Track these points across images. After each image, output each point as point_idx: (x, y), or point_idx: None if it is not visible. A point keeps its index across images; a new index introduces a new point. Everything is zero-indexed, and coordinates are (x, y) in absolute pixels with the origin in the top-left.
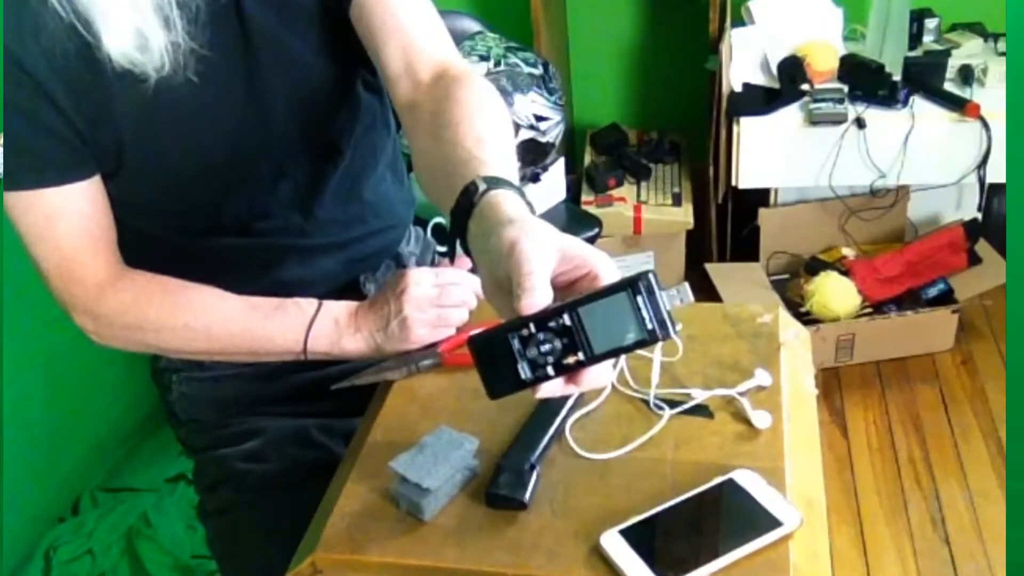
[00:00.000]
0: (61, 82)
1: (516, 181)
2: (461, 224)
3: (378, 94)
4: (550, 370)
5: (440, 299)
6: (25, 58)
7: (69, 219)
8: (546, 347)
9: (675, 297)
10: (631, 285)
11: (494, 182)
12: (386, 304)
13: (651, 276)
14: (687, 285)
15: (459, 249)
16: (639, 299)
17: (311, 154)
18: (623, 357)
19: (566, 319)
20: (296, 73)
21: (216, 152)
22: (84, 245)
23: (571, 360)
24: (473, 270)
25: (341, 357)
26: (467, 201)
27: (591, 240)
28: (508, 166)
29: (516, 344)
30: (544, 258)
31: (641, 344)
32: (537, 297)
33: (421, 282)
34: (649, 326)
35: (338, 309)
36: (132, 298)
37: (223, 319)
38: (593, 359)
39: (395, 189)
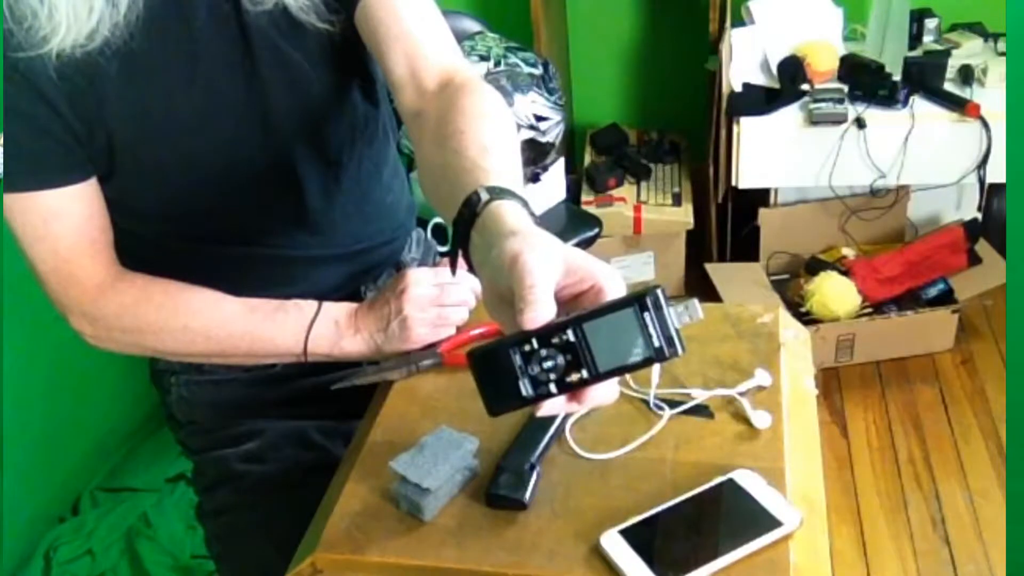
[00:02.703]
0: (56, 84)
1: (521, 190)
2: (463, 234)
3: (375, 104)
4: (553, 387)
5: (440, 298)
6: (20, 59)
7: (67, 221)
8: (549, 363)
9: (683, 314)
10: (638, 301)
11: (497, 192)
12: (386, 304)
13: (659, 292)
14: (696, 301)
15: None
16: (646, 315)
17: (315, 166)
18: None
19: (570, 335)
20: (295, 81)
21: (212, 158)
22: (82, 247)
23: (575, 377)
24: (471, 270)
25: (341, 358)
26: (469, 211)
27: (591, 240)
28: (512, 175)
29: (518, 360)
30: (548, 271)
31: (648, 362)
32: (540, 311)
33: (421, 282)
34: (656, 343)
35: (338, 310)
36: (132, 300)
37: (223, 321)
38: (597, 377)
39: (401, 198)
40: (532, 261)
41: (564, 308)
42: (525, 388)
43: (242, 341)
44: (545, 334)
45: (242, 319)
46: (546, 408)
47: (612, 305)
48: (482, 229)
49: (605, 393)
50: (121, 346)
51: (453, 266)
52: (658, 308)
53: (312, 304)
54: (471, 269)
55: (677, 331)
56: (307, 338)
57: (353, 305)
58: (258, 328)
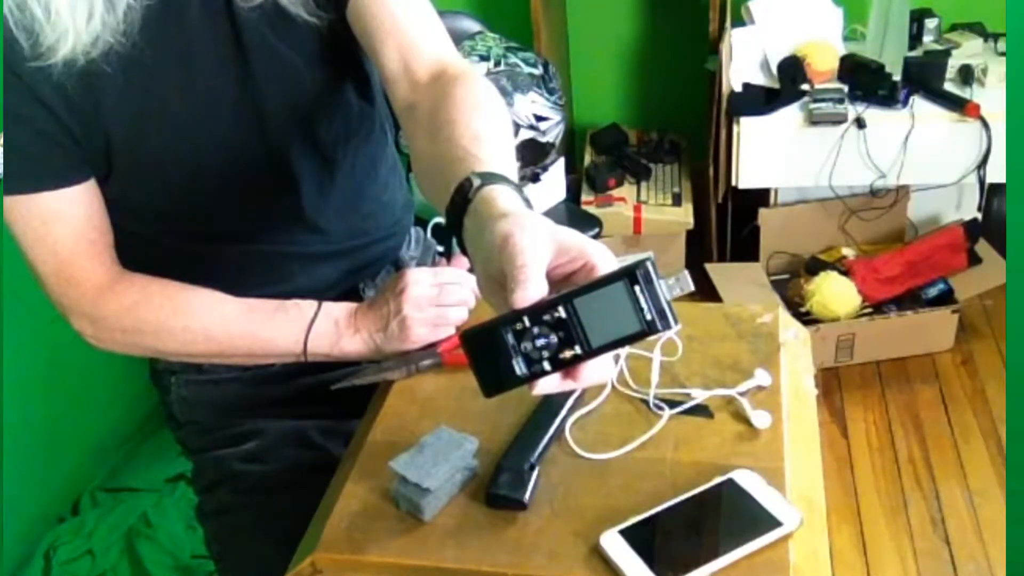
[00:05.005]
0: (55, 87)
1: (514, 178)
2: (456, 221)
3: (370, 102)
4: (546, 365)
5: (439, 298)
6: (16, 62)
7: (66, 223)
8: (541, 341)
9: (674, 286)
10: (628, 274)
11: (489, 177)
12: (385, 304)
13: (649, 264)
14: (687, 273)
15: (456, 248)
16: (637, 288)
17: (310, 163)
18: (622, 355)
19: (561, 311)
20: (288, 79)
21: (208, 156)
22: (81, 248)
23: (568, 354)
24: (472, 269)
25: (341, 358)
26: (461, 198)
27: None
28: (506, 163)
29: (510, 339)
30: (539, 250)
31: (640, 336)
32: (531, 289)
33: (420, 282)
34: (648, 317)
35: (337, 310)
36: (132, 300)
37: (223, 321)
38: (590, 353)
39: (397, 195)
40: (522, 241)
41: (557, 287)
42: (519, 367)
43: (242, 341)
44: (537, 312)
45: (242, 319)
46: (541, 387)
47: (602, 280)
48: (474, 214)
49: (599, 370)
50: (122, 346)
51: (448, 253)
52: (648, 281)
53: (312, 304)
54: (467, 258)
55: (669, 303)
56: (307, 338)
57: (353, 305)
58: (258, 328)
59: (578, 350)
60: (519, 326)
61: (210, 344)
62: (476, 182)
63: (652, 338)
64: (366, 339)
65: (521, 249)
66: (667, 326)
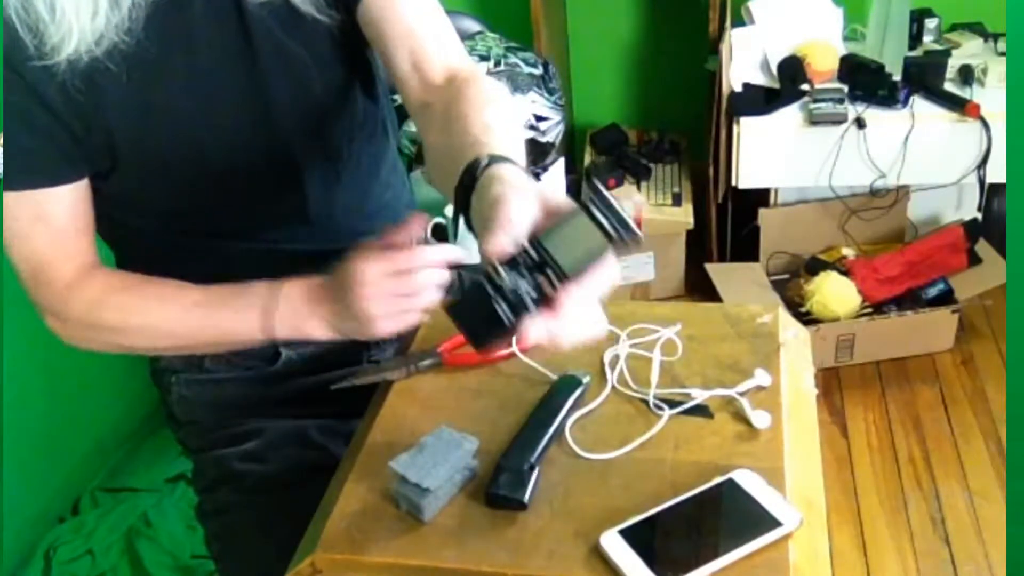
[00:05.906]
0: (55, 83)
1: (522, 162)
2: (465, 201)
3: (375, 101)
4: (528, 303)
5: (399, 288)
6: (20, 61)
7: (51, 221)
8: (522, 284)
9: (627, 206)
10: (579, 200)
11: (497, 159)
12: (343, 297)
13: (596, 183)
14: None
15: (463, 226)
16: (594, 210)
17: (315, 161)
18: (622, 355)
19: (532, 253)
20: (296, 76)
21: (213, 151)
22: (61, 247)
23: (547, 288)
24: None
25: (309, 340)
26: (469, 177)
27: None
28: (515, 150)
29: (490, 289)
30: (525, 205)
31: (608, 248)
32: (508, 233)
33: (371, 281)
34: (610, 231)
35: (296, 296)
36: (94, 298)
37: (182, 316)
38: (566, 278)
39: (399, 196)
40: (512, 199)
41: None
42: (504, 314)
43: (203, 334)
44: (511, 260)
45: (201, 311)
46: (531, 334)
47: (564, 215)
48: (479, 190)
49: (582, 311)
50: (94, 344)
51: (455, 232)
52: (601, 197)
53: (273, 289)
54: (474, 236)
55: (628, 215)
56: (269, 325)
57: (315, 285)
58: (219, 319)
59: (554, 278)
60: (496, 276)
61: (175, 339)
62: (484, 162)
63: (651, 334)
64: (328, 325)
65: (508, 202)
66: (632, 235)
